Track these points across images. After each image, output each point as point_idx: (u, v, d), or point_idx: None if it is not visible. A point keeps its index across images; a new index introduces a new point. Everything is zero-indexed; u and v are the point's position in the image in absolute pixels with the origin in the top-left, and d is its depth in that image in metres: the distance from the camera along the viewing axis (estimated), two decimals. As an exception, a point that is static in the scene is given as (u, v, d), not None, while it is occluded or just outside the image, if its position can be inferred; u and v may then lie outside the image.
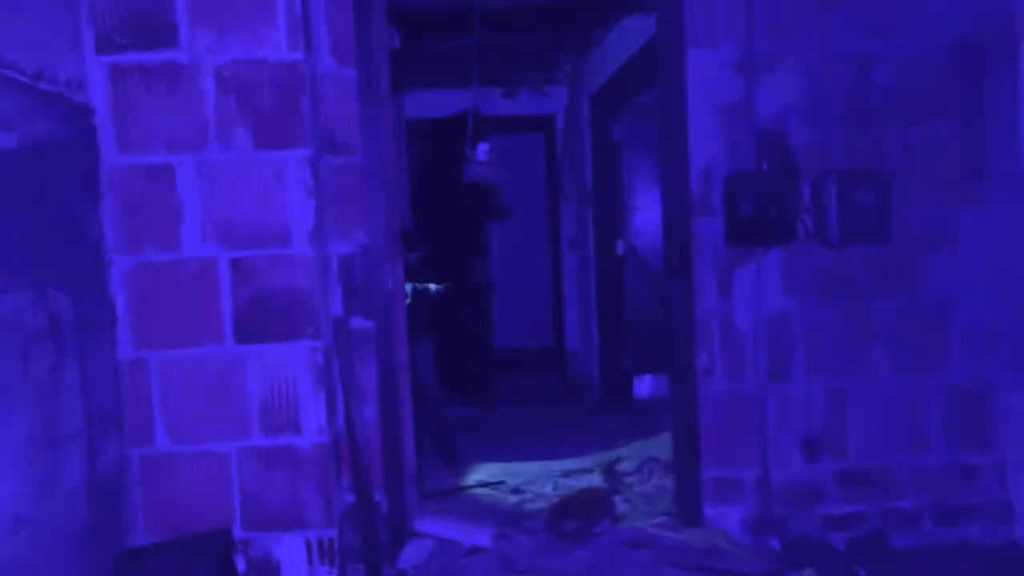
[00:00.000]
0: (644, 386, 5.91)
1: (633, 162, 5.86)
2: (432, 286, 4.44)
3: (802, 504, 3.18)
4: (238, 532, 2.78)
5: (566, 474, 4.11)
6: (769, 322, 3.14)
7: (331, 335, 2.94)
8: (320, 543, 2.80)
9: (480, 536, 3.06)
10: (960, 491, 3.18)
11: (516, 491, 3.87)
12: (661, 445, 4.54)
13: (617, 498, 3.53)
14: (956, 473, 3.18)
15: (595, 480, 3.82)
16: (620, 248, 5.84)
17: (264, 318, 2.76)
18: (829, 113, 3.10)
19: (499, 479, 4.05)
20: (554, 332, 7.01)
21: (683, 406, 3.20)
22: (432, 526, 3.17)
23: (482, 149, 3.06)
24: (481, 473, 4.26)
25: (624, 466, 4.02)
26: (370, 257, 3.04)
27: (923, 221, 3.12)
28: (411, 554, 3.04)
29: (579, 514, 3.21)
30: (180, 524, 2.75)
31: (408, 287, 4.35)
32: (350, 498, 3.01)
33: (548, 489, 3.84)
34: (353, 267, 3.03)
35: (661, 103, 3.18)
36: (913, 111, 3.09)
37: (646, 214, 5.87)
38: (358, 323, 3.05)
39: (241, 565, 2.78)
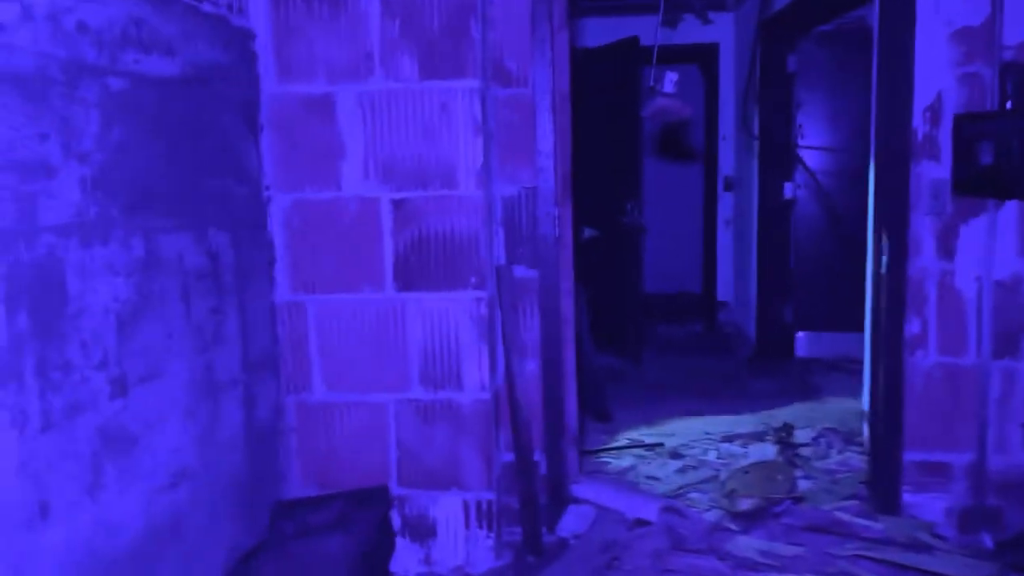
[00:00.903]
0: (803, 344, 5.44)
1: (808, 97, 5.29)
2: (586, 230, 4.13)
3: (1022, 497, 2.74)
4: (394, 488, 2.64)
5: (728, 438, 3.78)
6: (999, 287, 2.67)
7: (493, 284, 2.72)
8: (479, 505, 2.63)
9: (646, 509, 2.80)
10: None
11: (675, 455, 3.59)
12: (829, 412, 4.15)
13: (796, 470, 3.18)
14: None
15: (764, 449, 3.47)
16: (788, 190, 5.34)
17: (426, 264, 2.55)
18: (1096, 37, 2.54)
19: (656, 440, 3.78)
20: (704, 280, 6.59)
21: (886, 378, 2.80)
22: (593, 492, 2.94)
23: (670, 79, 2.68)
24: (634, 433, 4.00)
25: (798, 435, 3.65)
26: (537, 200, 2.78)
27: None
28: (571, 522, 2.83)
29: (755, 489, 2.90)
30: (336, 476, 2.64)
31: None
32: (508, 457, 2.82)
33: (711, 456, 3.53)
34: (519, 211, 2.77)
35: (882, 21, 2.71)
36: None
37: (818, 155, 5.31)
38: (521, 272, 2.81)
39: (396, 522, 2.65)
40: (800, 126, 5.32)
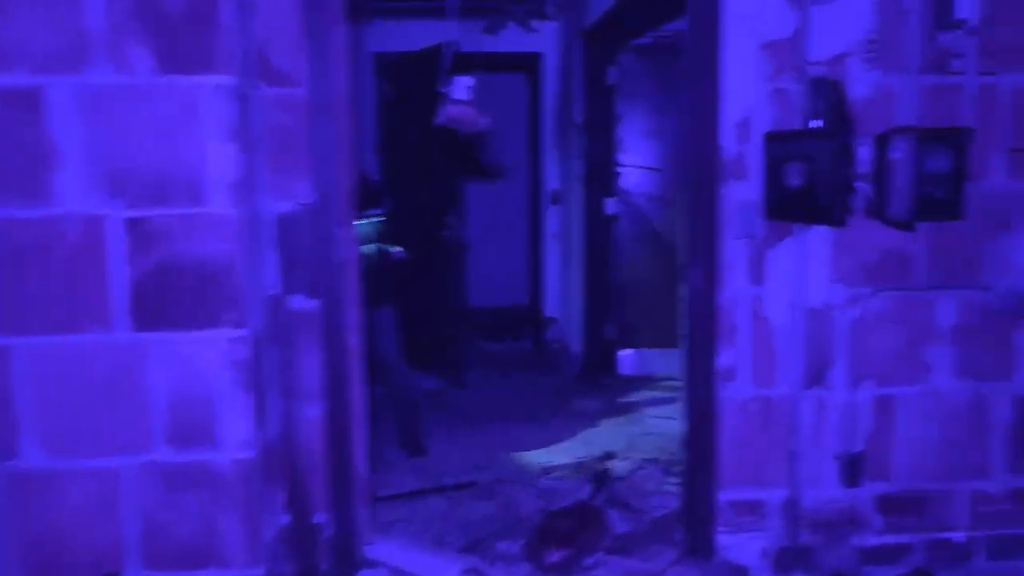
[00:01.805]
0: (628, 361, 5.34)
1: (628, 111, 5.20)
2: (394, 249, 3.79)
3: (837, 533, 2.64)
4: (136, 573, 2.16)
5: (548, 470, 3.54)
6: (810, 315, 2.55)
7: (263, 319, 2.30)
8: (242, 585, 2.20)
9: (446, 571, 2.47)
10: (1022, 520, 2.67)
11: (489, 494, 3.29)
12: (651, 437, 4.02)
13: (612, 512, 2.96)
14: (1018, 500, 2.65)
15: (581, 486, 3.24)
16: (610, 206, 5.22)
17: (171, 298, 2.10)
18: (898, 57, 2.47)
19: (470, 479, 3.47)
20: (531, 296, 6.40)
21: (698, 414, 2.61)
22: (388, 553, 2.58)
23: (461, 84, 2.38)
24: (448, 467, 3.68)
25: (617, 467, 3.45)
26: (318, 218, 2.39)
27: (999, 195, 2.53)
28: (360, 591, 2.45)
29: (566, 539, 2.64)
30: (62, 562, 2.13)
31: (373, 248, 3.72)
32: (286, 519, 2.41)
33: (528, 493, 3.27)
34: (295, 231, 2.37)
35: (691, 31, 2.52)
36: (1000, 56, 2.47)
37: (640, 170, 5.23)
38: (300, 302, 2.41)
39: (140, 611, 2.18)
40: (621, 140, 5.22)
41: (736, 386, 2.57)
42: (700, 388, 2.60)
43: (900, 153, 2.32)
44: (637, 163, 5.27)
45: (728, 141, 2.48)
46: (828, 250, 2.52)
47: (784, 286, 2.53)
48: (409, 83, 5.30)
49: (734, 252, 2.52)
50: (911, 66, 2.47)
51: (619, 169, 5.22)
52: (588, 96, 5.20)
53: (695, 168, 2.55)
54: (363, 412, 2.60)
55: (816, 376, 2.57)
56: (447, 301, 5.06)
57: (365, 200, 3.71)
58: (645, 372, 5.26)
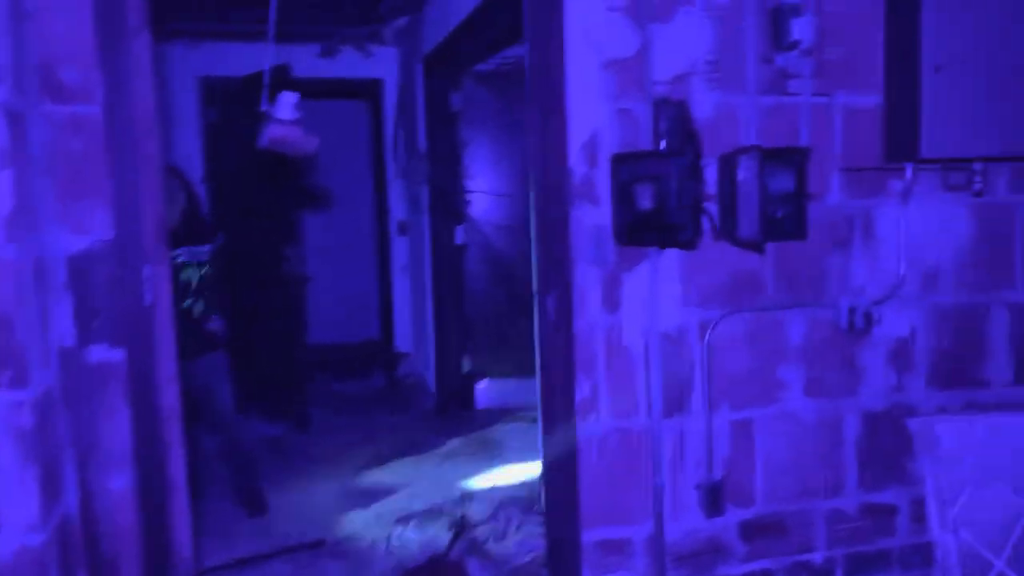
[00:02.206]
0: (485, 393, 5.18)
1: (474, 138, 5.09)
2: (211, 320, 3.42)
3: (702, 564, 2.56)
4: None
5: (404, 520, 3.29)
6: (665, 340, 2.47)
7: (53, 376, 1.95)
8: None
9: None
10: (875, 536, 2.69)
11: (340, 554, 3.01)
12: (510, 473, 3.87)
13: (472, 562, 2.76)
14: (871, 516, 2.68)
15: (437, 535, 3.02)
16: (460, 235, 5.07)
17: (-74, 358, 1.73)
18: (738, 78, 2.46)
19: (317, 537, 3.16)
20: (382, 331, 6.13)
21: (558, 451, 2.47)
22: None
23: (285, 103, 2.14)
24: (293, 523, 3.36)
25: (476, 510, 3.25)
26: (121, 255, 2.07)
27: (836, 213, 2.57)
28: None
29: (424, 599, 2.42)
30: None
31: (199, 306, 3.34)
32: (90, 610, 2.05)
33: (382, 547, 3.01)
34: (92, 271, 2.04)
35: (531, 48, 2.41)
36: (835, 77, 2.52)
37: (488, 198, 5.13)
38: (101, 354, 2.07)
39: None
40: (468, 167, 5.10)
41: (596, 419, 2.44)
42: (559, 424, 2.46)
43: (746, 173, 2.29)
44: (486, 190, 5.16)
45: (576, 163, 2.37)
46: (680, 273, 2.46)
47: (640, 312, 2.44)
48: (237, 108, 4.95)
49: (588, 279, 2.40)
50: (751, 87, 2.46)
51: (467, 197, 5.09)
52: (431, 123, 5.05)
53: (543, 193, 2.43)
54: (183, 477, 2.27)
55: (676, 404, 2.49)
56: (287, 340, 4.71)
57: (193, 234, 3.36)
58: (504, 404, 5.11)
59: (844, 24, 2.49)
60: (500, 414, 5.00)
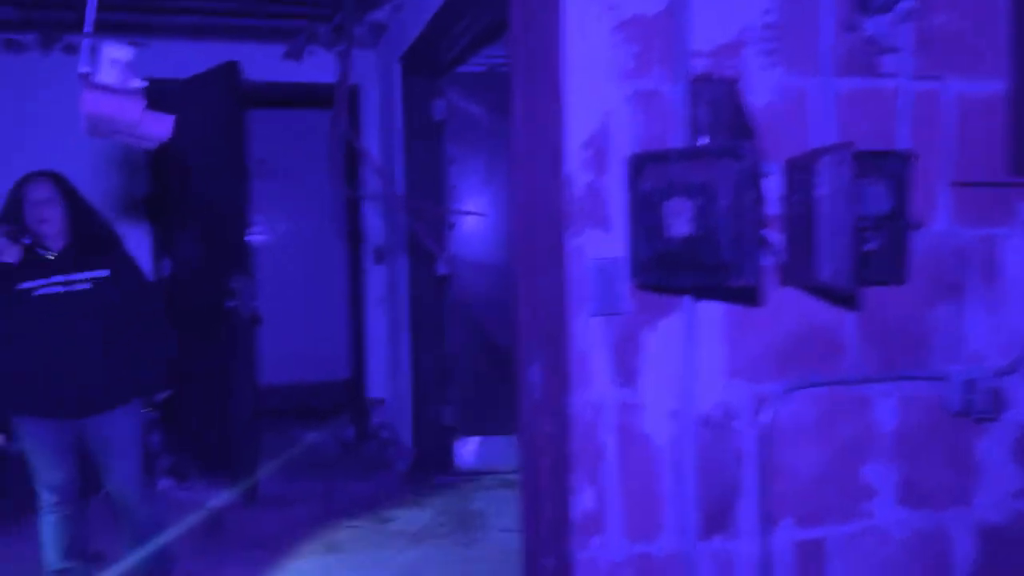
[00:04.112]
0: (468, 452, 4.40)
1: (461, 152, 4.35)
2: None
3: None
4: None
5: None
6: (703, 426, 1.70)
7: None
8: None
9: None
10: None
11: None
12: (492, 567, 3.08)
13: None
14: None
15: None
16: (442, 265, 4.32)
17: None
18: (809, 51, 1.72)
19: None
20: (352, 372, 5.35)
21: (547, 588, 1.69)
22: None
23: (111, 54, 1.35)
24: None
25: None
26: None
27: (944, 246, 1.81)
28: None
29: None
30: None
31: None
32: None
33: None
34: None
35: (515, 8, 1.67)
36: (944, 53, 1.77)
37: (479, 220, 4.38)
38: None
39: None
40: (454, 187, 4.36)
41: (603, 543, 1.67)
42: (546, 550, 1.68)
43: (830, 185, 1.53)
44: (474, 212, 4.42)
45: (576, 168, 1.62)
46: (726, 330, 1.70)
47: (667, 386, 1.68)
48: (192, 116, 4.23)
49: (591, 337, 1.64)
50: (827, 63, 1.71)
51: (452, 220, 4.34)
52: (410, 135, 4.32)
53: (527, 212, 1.68)
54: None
55: (718, 518, 1.72)
56: (230, 391, 3.94)
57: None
58: (490, 465, 4.32)
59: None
60: (486, 477, 4.21)
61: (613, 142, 1.63)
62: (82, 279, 2.56)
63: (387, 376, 5.13)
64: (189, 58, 4.35)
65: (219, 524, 3.61)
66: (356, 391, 5.24)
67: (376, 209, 5.07)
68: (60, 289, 2.53)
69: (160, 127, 1.44)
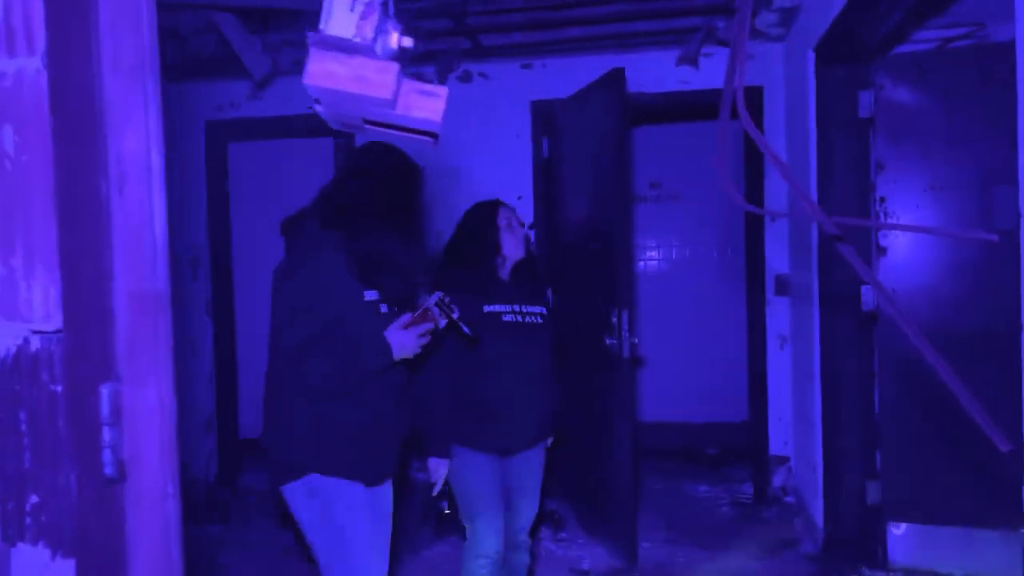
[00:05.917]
0: (905, 543, 3.39)
1: (893, 154, 3.40)
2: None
3: None
4: None
5: None
6: None
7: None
8: None
9: None
10: None
11: None
12: None
13: None
14: None
15: None
16: (869, 298, 3.41)
17: None
18: None
19: None
20: (751, 421, 4.59)
21: None
22: None
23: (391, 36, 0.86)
24: None
25: None
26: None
27: None
28: None
29: None
30: None
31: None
32: None
33: None
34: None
35: None
36: None
37: (914, 242, 3.38)
38: None
39: None
40: (883, 199, 3.42)
41: None
42: None
43: None
44: (908, 226, 3.44)
45: None
46: None
47: None
48: (577, 134, 3.93)
49: None
50: None
51: (881, 242, 3.42)
52: (826, 136, 3.50)
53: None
54: None
55: None
56: (614, 440, 3.48)
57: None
58: (933, 564, 3.29)
59: None
60: (926, 580, 3.19)
61: None
62: (533, 312, 2.49)
63: (791, 428, 4.30)
64: (572, 76, 4.06)
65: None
66: (754, 442, 4.48)
67: (777, 231, 4.29)
68: (519, 319, 2.45)
69: (428, 106, 0.93)
